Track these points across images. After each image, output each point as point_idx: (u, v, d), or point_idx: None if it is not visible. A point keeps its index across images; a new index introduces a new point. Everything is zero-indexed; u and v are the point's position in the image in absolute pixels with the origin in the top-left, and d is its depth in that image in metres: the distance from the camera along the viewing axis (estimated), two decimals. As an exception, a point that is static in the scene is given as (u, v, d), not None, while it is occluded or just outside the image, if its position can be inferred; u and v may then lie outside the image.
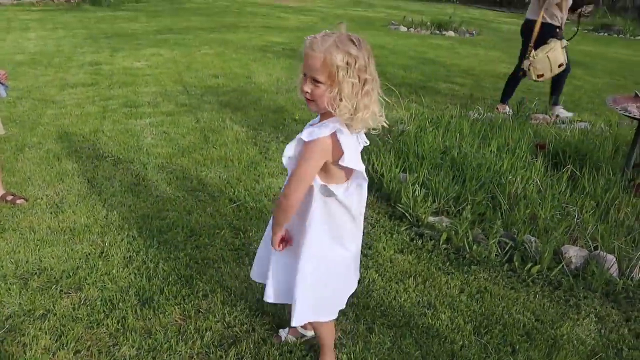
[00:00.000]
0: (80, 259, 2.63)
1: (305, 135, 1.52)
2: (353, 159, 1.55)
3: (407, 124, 4.47)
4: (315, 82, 1.48)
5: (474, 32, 12.83)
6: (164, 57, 7.94)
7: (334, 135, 1.51)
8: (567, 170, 3.45)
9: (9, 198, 3.20)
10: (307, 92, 1.51)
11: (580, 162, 3.65)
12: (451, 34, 12.44)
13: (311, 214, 1.64)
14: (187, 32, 10.94)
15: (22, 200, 3.20)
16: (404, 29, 12.76)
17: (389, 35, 11.63)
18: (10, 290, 2.39)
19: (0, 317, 2.22)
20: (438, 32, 12.60)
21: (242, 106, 5.34)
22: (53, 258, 2.63)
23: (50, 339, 2.07)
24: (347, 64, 1.44)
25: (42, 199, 3.27)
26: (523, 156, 3.72)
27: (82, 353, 2.01)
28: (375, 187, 3.41)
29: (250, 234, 2.88)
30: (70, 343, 2.05)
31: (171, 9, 16.11)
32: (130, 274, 2.51)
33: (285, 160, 1.61)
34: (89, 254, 2.68)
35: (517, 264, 2.65)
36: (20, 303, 2.31)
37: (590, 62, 9.47)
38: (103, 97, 5.68)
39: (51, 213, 3.09)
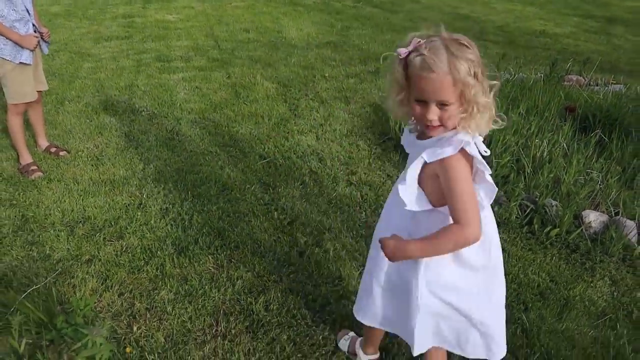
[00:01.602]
0: (120, 209, 2.81)
1: (429, 156, 1.32)
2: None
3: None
4: (442, 104, 1.27)
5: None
6: (195, 10, 7.97)
7: (463, 151, 1.30)
8: (595, 135, 3.45)
9: (53, 150, 3.38)
10: (434, 120, 1.30)
11: (609, 126, 3.63)
12: (487, -14, 12.04)
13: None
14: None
15: (65, 152, 3.38)
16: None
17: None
18: (58, 236, 2.58)
19: (51, 261, 2.42)
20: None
21: (273, 61, 5.39)
22: (95, 208, 2.82)
23: (97, 282, 2.26)
24: (474, 74, 1.25)
25: (82, 151, 3.44)
26: (551, 119, 3.72)
27: (125, 295, 2.20)
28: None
29: (279, 190, 3.00)
30: (115, 286, 2.24)
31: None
32: (166, 225, 2.68)
33: (408, 197, 1.38)
34: (128, 205, 2.85)
35: (536, 226, 2.72)
36: (68, 248, 2.50)
37: (633, 19, 9.11)
38: (136, 50, 5.79)
39: (92, 165, 3.26)
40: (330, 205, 2.88)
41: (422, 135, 1.41)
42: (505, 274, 1.57)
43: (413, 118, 1.40)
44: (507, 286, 1.57)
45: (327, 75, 5.00)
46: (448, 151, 1.29)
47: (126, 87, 4.61)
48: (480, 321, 1.47)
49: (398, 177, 1.58)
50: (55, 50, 5.55)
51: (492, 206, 1.51)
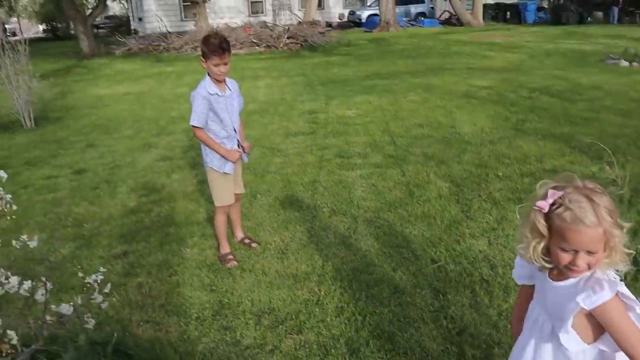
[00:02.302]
0: (300, 304, 3.10)
1: (587, 303, 1.38)
2: None
3: (621, 187, 4.20)
4: (591, 252, 1.36)
5: None
6: (372, 105, 8.55)
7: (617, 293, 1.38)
8: None
9: (246, 241, 3.87)
10: (582, 266, 1.38)
11: None
12: (687, 69, 10.99)
13: None
14: (393, 76, 11.55)
15: (256, 244, 3.84)
16: (624, 63, 11.49)
17: (605, 72, 10.74)
18: (247, 324, 2.93)
19: (240, 347, 2.75)
20: (670, 68, 11.23)
21: (446, 159, 5.54)
22: (280, 300, 3.15)
23: (279, 375, 2.52)
24: (615, 221, 1.35)
25: (270, 244, 3.88)
26: None
27: (303, 391, 2.41)
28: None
29: (449, 296, 3.06)
30: (294, 381, 2.47)
31: (378, 51, 17.07)
32: (341, 323, 2.89)
33: (571, 344, 1.46)
34: (308, 300, 3.13)
35: None
36: (255, 337, 2.83)
37: None
38: (319, 146, 6.39)
39: (278, 258, 3.66)
40: (501, 318, 2.84)
41: (559, 275, 1.48)
42: None
43: (555, 262, 1.44)
44: None
45: (500, 174, 4.99)
46: (606, 295, 1.36)
47: (310, 182, 5.11)
48: None
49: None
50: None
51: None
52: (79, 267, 3.69)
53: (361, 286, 3.21)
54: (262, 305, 3.12)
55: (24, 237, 2.03)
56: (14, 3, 37.72)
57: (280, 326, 2.91)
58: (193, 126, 3.39)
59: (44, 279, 1.95)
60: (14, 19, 50.54)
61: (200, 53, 3.40)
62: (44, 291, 1.91)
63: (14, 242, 2.04)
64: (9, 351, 1.80)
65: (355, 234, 3.94)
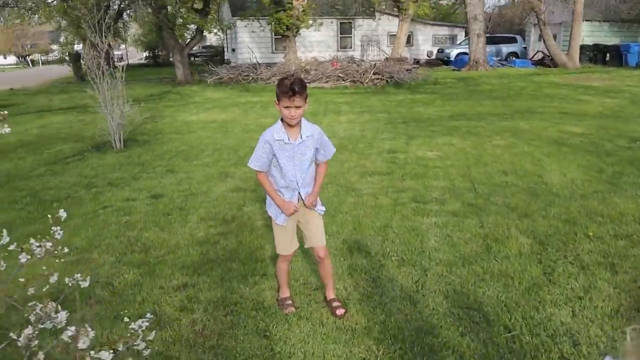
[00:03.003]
0: (356, 362, 2.87)
1: None
2: None
3: None
4: None
5: None
6: (455, 147, 8.23)
7: None
8: None
9: (334, 304, 3.39)
10: None
11: None
12: None
13: None
14: (479, 118, 11.15)
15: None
16: None
17: None
18: (298, 380, 2.74)
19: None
20: None
21: (530, 212, 5.13)
22: (334, 356, 2.94)
23: None
24: None
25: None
26: None
27: None
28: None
29: (524, 374, 2.71)
30: None
31: (465, 91, 16.66)
32: (398, 391, 2.63)
33: None
34: (364, 359, 2.90)
35: None
36: (305, 395, 2.63)
37: None
38: (395, 188, 6.16)
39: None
40: (585, 408, 2.47)
41: None
42: None
43: None
44: None
45: (591, 233, 4.52)
46: None
47: (381, 227, 4.89)
48: None
49: None
50: (326, 183, 6.26)
51: None
52: (139, 296, 3.69)
53: (424, 350, 2.94)
54: (314, 359, 2.93)
55: (78, 275, 1.97)
56: (123, 33, 40.82)
57: (332, 386, 2.69)
58: (251, 167, 3.29)
59: (88, 327, 1.86)
60: (123, 46, 54.72)
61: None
62: (85, 339, 1.82)
63: (66, 279, 1.98)
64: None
65: (423, 289, 3.66)
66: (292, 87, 2.98)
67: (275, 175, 3.25)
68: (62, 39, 31.06)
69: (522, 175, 6.47)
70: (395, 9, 27.83)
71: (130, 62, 52.03)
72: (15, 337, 1.87)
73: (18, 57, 63.78)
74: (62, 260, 4.26)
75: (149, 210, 5.64)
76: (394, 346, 2.99)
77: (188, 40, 24.06)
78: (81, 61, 24.14)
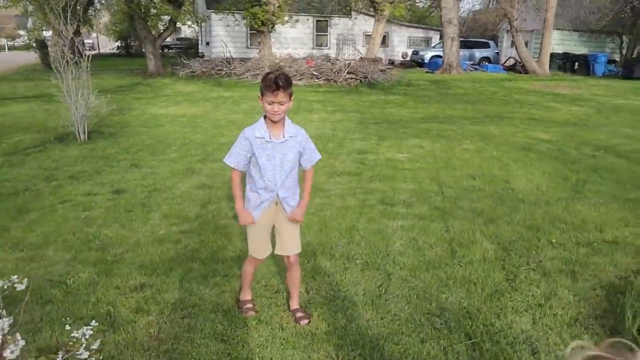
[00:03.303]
0: (315, 369, 2.81)
1: None
2: None
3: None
4: None
5: None
6: (424, 150, 8.24)
7: None
8: None
9: (298, 314, 3.30)
10: None
11: None
12: None
13: None
14: (450, 121, 11.22)
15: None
16: None
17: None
18: (254, 386, 2.66)
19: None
20: None
21: (496, 217, 5.16)
22: (293, 362, 2.87)
23: None
24: None
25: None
26: None
27: None
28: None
29: (482, 383, 2.69)
30: None
31: (438, 94, 16.78)
32: (356, 399, 2.57)
33: None
34: (324, 365, 2.84)
35: None
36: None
37: None
38: (363, 189, 6.12)
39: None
40: (542, 419, 2.46)
41: None
42: None
43: None
44: None
45: (554, 240, 4.57)
46: None
47: (347, 229, 4.84)
48: None
49: None
50: (293, 183, 6.18)
51: None
52: (93, 296, 3.55)
53: (383, 357, 2.89)
54: (273, 364, 2.85)
55: (14, 277, 1.86)
56: (95, 21, 39.88)
57: (289, 393, 2.63)
58: (226, 163, 3.14)
59: (18, 335, 1.75)
60: (94, 35, 53.46)
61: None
62: (14, 347, 1.71)
63: (0, 282, 1.87)
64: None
65: (386, 294, 3.62)
66: (276, 81, 2.83)
67: (254, 175, 3.09)
68: (29, 25, 30.20)
69: (489, 180, 6.51)
70: (371, 9, 27.88)
71: (101, 51, 50.91)
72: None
73: (-17, 42, 61.86)
74: (18, 256, 4.08)
75: (110, 205, 5.47)
76: (353, 352, 2.94)
77: (161, 31, 23.63)
78: (48, 48, 23.45)
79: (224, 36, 28.82)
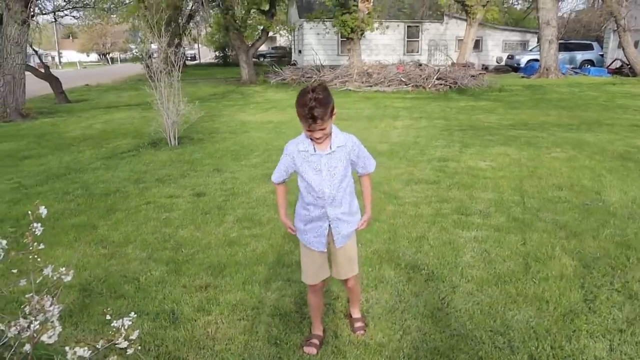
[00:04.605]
0: (365, 380, 2.75)
1: None
2: None
3: None
4: None
5: None
6: (509, 158, 7.86)
7: None
8: None
9: (356, 324, 3.21)
10: None
11: None
12: None
13: None
14: (541, 128, 10.63)
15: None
16: None
17: None
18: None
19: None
20: None
21: (580, 231, 4.79)
22: (343, 372, 2.82)
23: None
24: None
25: (354, 301, 3.56)
26: None
27: None
28: None
29: (543, 410, 2.49)
30: None
31: (531, 99, 15.98)
32: (403, 415, 2.48)
33: None
34: (374, 377, 2.77)
35: None
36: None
37: None
38: (440, 198, 5.93)
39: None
40: None
41: None
42: None
43: None
44: None
45: (647, 259, 4.16)
46: None
47: (417, 238, 4.70)
48: None
49: None
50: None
51: None
52: (160, 294, 3.72)
53: (437, 374, 2.77)
54: (324, 373, 2.82)
55: (63, 269, 1.98)
56: (196, 33, 42.16)
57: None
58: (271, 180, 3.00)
59: (56, 322, 1.85)
60: (196, 46, 56.54)
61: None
62: (52, 333, 1.81)
63: (51, 273, 1.98)
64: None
65: (448, 307, 3.47)
66: (311, 113, 2.55)
67: (302, 191, 2.86)
68: (138, 38, 32.48)
69: (577, 191, 6.06)
70: (463, 13, 27.15)
71: (202, 61, 53.71)
72: (4, 328, 1.89)
73: (99, 55, 67.44)
74: (101, 253, 4.37)
75: (189, 208, 5.72)
76: (406, 367, 2.84)
77: (254, 40, 24.49)
78: (151, 60, 25.15)
79: (315, 44, 29.35)
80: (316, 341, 3.05)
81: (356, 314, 3.30)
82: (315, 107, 2.54)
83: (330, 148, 2.76)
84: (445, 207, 5.59)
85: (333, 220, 2.85)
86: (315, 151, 2.75)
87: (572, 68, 26.22)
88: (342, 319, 3.35)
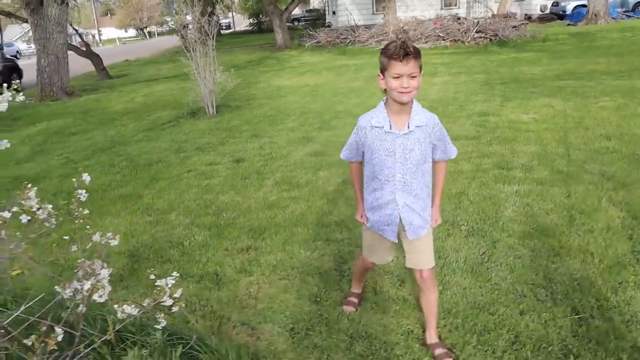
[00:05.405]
0: (401, 335, 2.77)
1: None
2: None
3: None
4: None
5: None
6: (554, 109, 7.58)
7: None
8: None
9: (437, 351, 2.60)
10: None
11: None
12: None
13: None
14: (589, 77, 10.16)
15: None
16: None
17: None
18: (338, 346, 2.70)
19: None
20: None
21: (629, 182, 4.61)
22: (379, 326, 2.86)
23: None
24: None
25: (392, 261, 3.57)
26: None
27: None
28: None
29: (584, 360, 2.46)
30: None
31: (578, 48, 15.27)
32: (443, 368, 2.50)
33: None
34: (410, 332, 2.79)
35: None
36: (347, 364, 2.59)
37: None
38: (480, 153, 5.81)
39: (394, 277, 3.35)
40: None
41: None
42: None
43: None
44: None
45: (700, 207, 3.98)
46: None
47: (456, 194, 4.65)
48: None
49: None
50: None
51: None
52: (204, 257, 3.83)
53: (476, 327, 2.77)
54: (360, 328, 2.87)
55: (109, 234, 2.06)
56: (231, 2, 41.97)
57: (371, 357, 2.63)
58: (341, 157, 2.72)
59: (106, 282, 1.94)
60: (230, 14, 56.36)
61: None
62: (102, 292, 1.90)
63: (100, 238, 2.06)
64: (53, 347, 1.83)
65: (488, 262, 3.43)
66: (403, 47, 2.23)
67: (368, 174, 2.54)
68: (173, 10, 32.63)
69: (627, 141, 5.81)
70: (504, -39, 25.89)
71: (237, 29, 53.57)
72: (60, 290, 2.00)
73: (137, 30, 68.23)
74: (147, 220, 4.51)
75: (228, 174, 5.81)
76: (444, 321, 2.85)
77: (287, 5, 24.21)
78: (187, 31, 25.28)
79: (349, 4, 28.75)
80: (355, 299, 3.06)
81: (434, 337, 2.68)
82: (407, 44, 2.25)
83: (408, 127, 2.37)
84: (485, 162, 5.48)
85: (402, 207, 2.48)
86: (390, 128, 2.38)
87: (624, 11, 24.75)
88: (381, 274, 3.37)
